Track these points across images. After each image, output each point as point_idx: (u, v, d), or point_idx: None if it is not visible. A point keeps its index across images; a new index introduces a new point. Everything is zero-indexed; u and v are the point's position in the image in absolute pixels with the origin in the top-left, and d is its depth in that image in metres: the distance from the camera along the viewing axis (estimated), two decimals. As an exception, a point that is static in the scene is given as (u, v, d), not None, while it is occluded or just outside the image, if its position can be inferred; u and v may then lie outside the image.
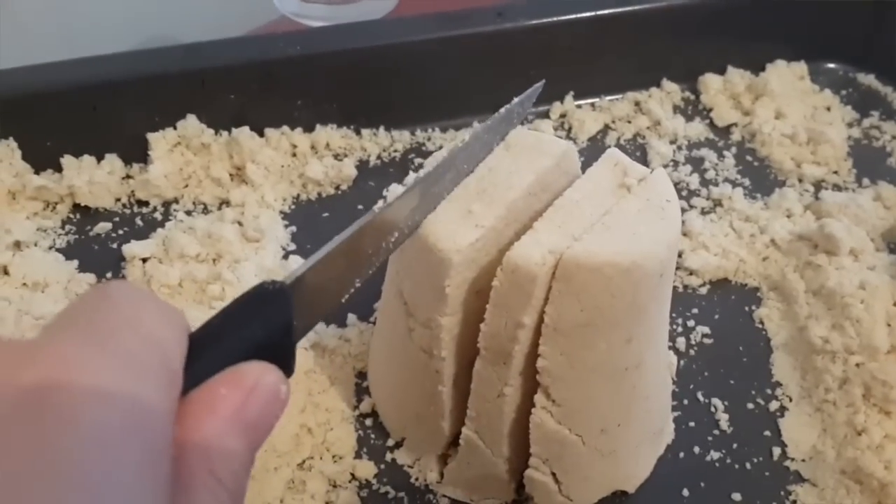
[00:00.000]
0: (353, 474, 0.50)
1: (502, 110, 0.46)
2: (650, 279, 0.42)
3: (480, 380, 0.44)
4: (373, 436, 0.52)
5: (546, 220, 0.42)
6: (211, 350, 0.26)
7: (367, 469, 0.50)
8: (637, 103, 0.75)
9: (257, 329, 0.28)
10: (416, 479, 0.50)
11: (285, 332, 0.29)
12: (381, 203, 0.42)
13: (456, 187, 0.44)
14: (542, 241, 0.41)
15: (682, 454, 0.52)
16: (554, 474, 0.46)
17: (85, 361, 0.22)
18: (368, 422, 0.52)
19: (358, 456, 0.51)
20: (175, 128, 0.66)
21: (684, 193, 0.67)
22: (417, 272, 0.44)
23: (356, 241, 0.36)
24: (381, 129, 0.72)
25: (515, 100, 0.46)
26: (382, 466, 0.51)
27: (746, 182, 0.69)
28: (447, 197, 0.43)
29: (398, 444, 0.51)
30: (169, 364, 0.24)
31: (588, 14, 0.72)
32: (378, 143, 0.71)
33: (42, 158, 0.65)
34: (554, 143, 0.47)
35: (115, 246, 0.62)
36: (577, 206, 0.43)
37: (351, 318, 0.57)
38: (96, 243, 0.63)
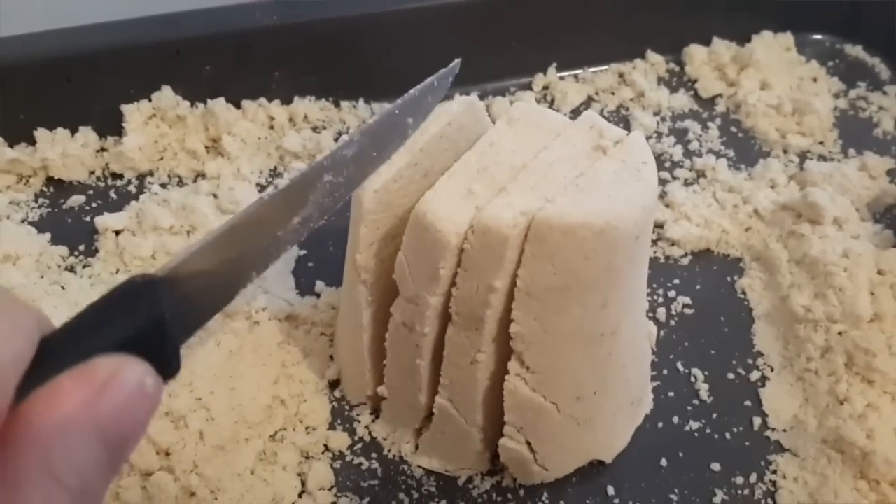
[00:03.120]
0: (326, 445, 0.49)
1: (414, 91, 0.44)
2: (625, 241, 0.41)
3: (453, 346, 0.43)
4: (347, 407, 0.51)
5: (519, 182, 0.41)
6: (68, 351, 0.24)
7: (340, 440, 0.49)
8: (621, 75, 0.74)
9: (122, 325, 0.26)
10: (390, 451, 0.49)
11: (157, 328, 0.27)
12: (271, 189, 0.39)
13: (455, 165, 0.42)
14: (514, 203, 0.40)
15: (660, 424, 0.51)
16: (529, 443, 0.45)
17: None
18: (342, 393, 0.52)
19: (332, 427, 0.50)
20: (150, 99, 0.65)
21: (667, 164, 0.66)
22: (411, 247, 0.42)
23: (240, 230, 0.34)
24: (361, 101, 0.70)
25: (428, 80, 0.44)
26: (356, 438, 0.50)
27: (731, 153, 0.68)
28: (446, 172, 0.42)
29: (374, 417, 0.51)
30: None
31: (571, -17, 0.71)
32: (357, 115, 0.70)
33: (15, 131, 0.64)
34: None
35: (88, 219, 0.61)
36: (550, 167, 0.42)
37: (323, 287, 0.56)
38: (69, 216, 0.62)
